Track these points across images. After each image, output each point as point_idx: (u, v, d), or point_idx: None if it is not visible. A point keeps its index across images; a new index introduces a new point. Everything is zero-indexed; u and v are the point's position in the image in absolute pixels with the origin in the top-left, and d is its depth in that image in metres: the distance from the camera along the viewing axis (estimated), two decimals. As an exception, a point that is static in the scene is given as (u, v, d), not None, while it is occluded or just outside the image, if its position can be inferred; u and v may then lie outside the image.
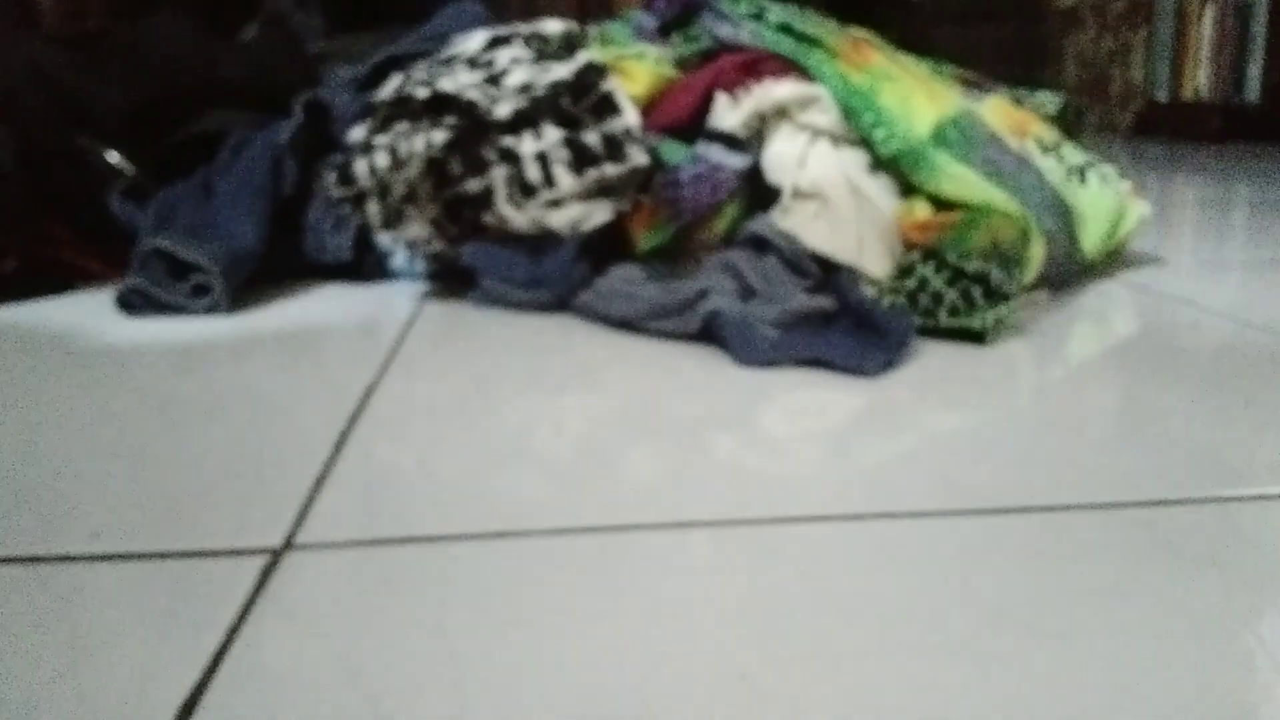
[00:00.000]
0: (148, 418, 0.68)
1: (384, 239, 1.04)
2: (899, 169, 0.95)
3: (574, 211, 0.97)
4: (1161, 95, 3.59)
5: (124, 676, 0.38)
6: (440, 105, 0.98)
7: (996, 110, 1.11)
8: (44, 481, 0.57)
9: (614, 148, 0.97)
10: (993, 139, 1.03)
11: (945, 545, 0.49)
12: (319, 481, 0.57)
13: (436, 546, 0.49)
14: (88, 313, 0.98)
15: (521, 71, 1.01)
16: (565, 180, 0.96)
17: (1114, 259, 1.20)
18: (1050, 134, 1.13)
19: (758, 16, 1.10)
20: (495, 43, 1.06)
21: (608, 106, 0.99)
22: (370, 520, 0.52)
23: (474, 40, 1.07)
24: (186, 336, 0.89)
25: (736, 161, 0.98)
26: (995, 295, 0.86)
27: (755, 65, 1.03)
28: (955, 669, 0.39)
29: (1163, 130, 3.51)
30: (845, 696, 0.37)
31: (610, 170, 0.96)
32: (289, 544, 0.49)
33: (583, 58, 1.02)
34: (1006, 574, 0.46)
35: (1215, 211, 1.77)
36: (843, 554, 0.48)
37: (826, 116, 0.98)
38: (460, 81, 0.99)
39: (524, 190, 0.97)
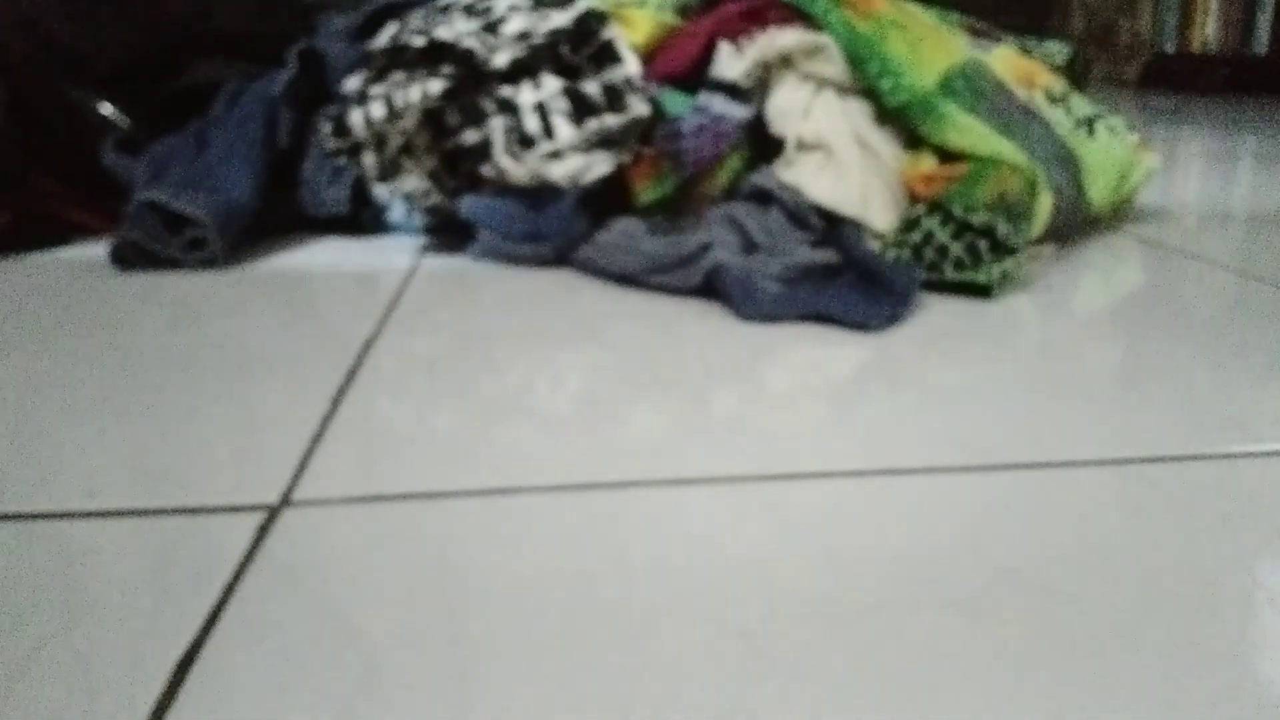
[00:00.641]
0: (143, 373, 0.67)
1: (381, 192, 1.03)
2: (905, 120, 0.94)
3: (574, 163, 0.95)
4: (1169, 46, 3.54)
5: (120, 635, 0.38)
6: (437, 54, 0.96)
7: (1004, 60, 1.09)
8: (38, 438, 0.57)
9: (614, 98, 0.95)
10: (1000, 89, 1.01)
11: (950, 502, 0.49)
12: (316, 437, 0.56)
13: (436, 503, 0.48)
14: (81, 267, 0.97)
15: (520, 19, 0.98)
16: (564, 131, 0.94)
17: (1121, 212, 1.19)
18: (1059, 84, 1.11)
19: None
20: (493, -11, 1.04)
21: (608, 55, 0.97)
22: (368, 476, 0.51)
23: (471, -13, 1.04)
24: (182, 291, 0.88)
25: (739, 112, 0.96)
26: (1001, 249, 0.84)
27: (759, 12, 1.00)
28: (961, 627, 0.38)
29: (1170, 82, 3.46)
30: (849, 655, 0.36)
31: (611, 121, 0.95)
32: (286, 500, 0.49)
33: (582, 4, 1.00)
34: (1013, 530, 0.46)
35: (1222, 164, 1.75)
36: (846, 511, 0.48)
37: (832, 66, 0.96)
38: (457, 29, 0.97)
39: (522, 141, 0.95)
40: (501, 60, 0.95)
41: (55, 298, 0.86)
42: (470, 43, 0.95)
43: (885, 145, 0.93)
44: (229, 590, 0.41)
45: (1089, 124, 1.08)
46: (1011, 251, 0.84)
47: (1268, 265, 0.98)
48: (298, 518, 0.47)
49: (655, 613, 0.39)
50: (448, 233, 1.05)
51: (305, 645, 0.37)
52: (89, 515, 0.47)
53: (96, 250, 1.03)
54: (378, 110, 0.95)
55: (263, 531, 0.46)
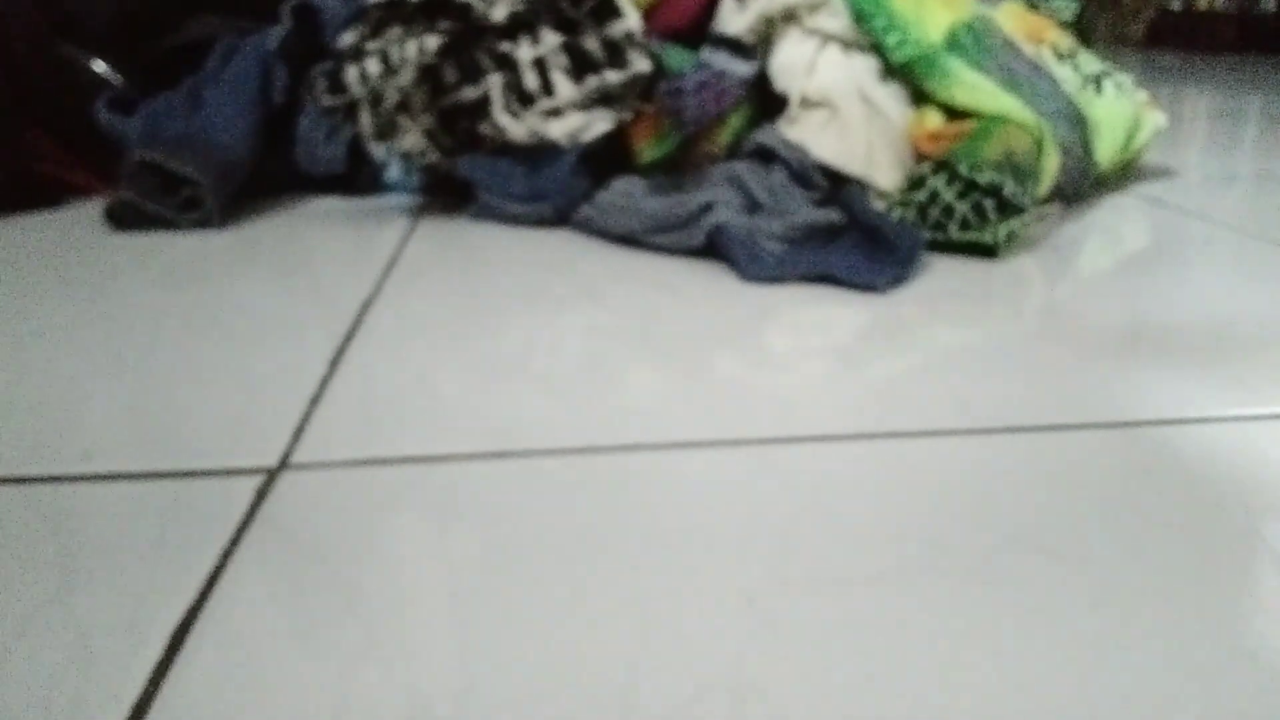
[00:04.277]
0: (139, 335, 0.66)
1: (378, 150, 1.01)
2: (911, 76, 0.92)
3: (573, 121, 0.94)
4: (1175, 4, 3.49)
5: (117, 599, 0.37)
6: (434, 8, 0.94)
7: (1011, 15, 1.08)
8: (34, 400, 0.56)
9: (615, 53, 0.93)
10: (1007, 45, 0.99)
11: (956, 465, 0.48)
12: (314, 400, 0.56)
13: (435, 466, 0.48)
14: (76, 227, 0.96)
15: (518, -27, 0.96)
16: (564, 88, 0.93)
17: (1127, 171, 1.17)
18: (1066, 40, 1.10)
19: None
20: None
21: (608, 9, 0.95)
22: (367, 439, 0.51)
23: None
24: (177, 251, 0.87)
25: (742, 68, 0.94)
26: (1008, 208, 0.83)
27: (762, -34, 0.98)
28: (967, 591, 0.38)
29: (1176, 40, 3.42)
30: (852, 618, 0.36)
31: (611, 77, 0.93)
32: (284, 464, 0.48)
33: (582, -42, 0.98)
34: (1018, 494, 0.45)
35: (1228, 123, 1.73)
36: (851, 474, 0.47)
37: (836, 21, 0.94)
38: (454, -17, 0.95)
39: (521, 99, 0.93)
40: (500, 14, 0.94)
41: (50, 258, 0.85)
42: (468, -3, 0.94)
43: (891, 102, 0.92)
44: (227, 554, 0.40)
45: (1097, 81, 1.06)
46: (1018, 211, 0.83)
47: (1273, 225, 0.97)
48: (296, 480, 0.46)
49: (658, 577, 0.39)
50: (446, 192, 1.04)
51: (305, 609, 0.37)
52: (85, 478, 0.47)
53: (91, 210, 1.02)
54: (374, 66, 0.93)
55: (261, 495, 0.45)
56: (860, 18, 0.93)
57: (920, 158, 0.89)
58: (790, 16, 0.96)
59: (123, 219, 0.95)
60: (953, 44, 0.94)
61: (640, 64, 0.94)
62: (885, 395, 0.56)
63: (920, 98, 0.93)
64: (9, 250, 0.88)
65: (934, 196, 0.84)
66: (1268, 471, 0.48)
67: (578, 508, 0.44)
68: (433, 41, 0.92)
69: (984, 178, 0.83)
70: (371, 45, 0.94)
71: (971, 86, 0.90)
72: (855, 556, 0.40)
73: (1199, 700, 0.32)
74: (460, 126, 0.98)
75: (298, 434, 0.51)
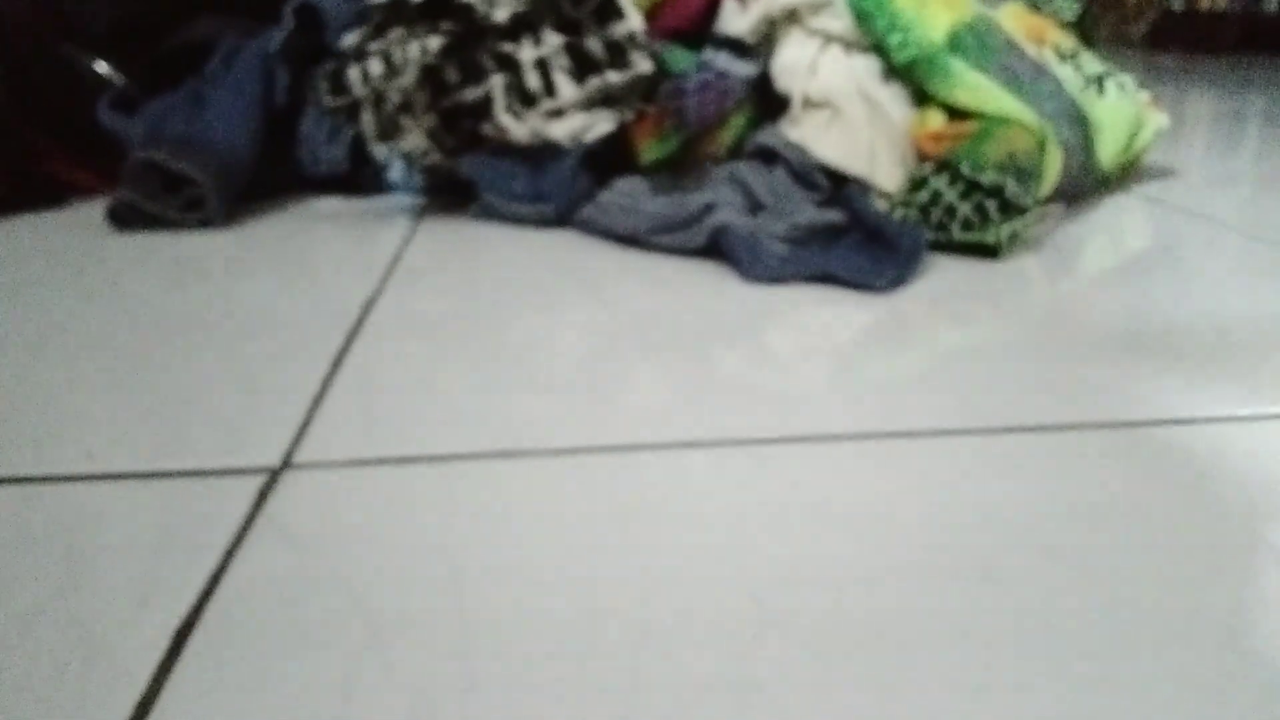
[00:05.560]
0: (142, 335, 0.66)
1: (380, 151, 1.01)
2: (913, 77, 0.92)
3: (575, 122, 0.94)
4: (1177, 4, 3.49)
5: (120, 599, 0.37)
6: (437, 9, 0.94)
7: (1013, 16, 1.07)
8: (37, 400, 0.56)
9: (617, 54, 0.93)
10: (1010, 46, 0.99)
11: (958, 464, 0.48)
12: (317, 399, 0.56)
13: (438, 466, 0.48)
14: (78, 227, 0.96)
15: (520, -27, 0.96)
16: (566, 89, 0.93)
17: (1130, 171, 1.17)
18: (1068, 41, 1.09)
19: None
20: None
21: (610, 10, 0.95)
22: (370, 439, 0.51)
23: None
24: (180, 251, 0.87)
25: (744, 69, 0.94)
26: (1010, 208, 0.83)
27: (764, -33, 0.98)
28: (971, 591, 0.38)
29: (1178, 41, 3.42)
30: (856, 619, 0.36)
31: (613, 78, 0.93)
32: (287, 463, 0.48)
33: (584, -41, 0.98)
34: (1021, 494, 0.45)
35: (1229, 124, 1.73)
36: (853, 474, 0.47)
37: (839, 21, 0.94)
38: (456, -16, 0.95)
39: (523, 99, 0.93)
40: (502, 15, 0.94)
41: (52, 258, 0.85)
42: (470, -3, 0.94)
43: (893, 103, 0.92)
44: (229, 554, 0.40)
45: (1099, 82, 1.06)
46: (1020, 211, 0.83)
47: (1276, 226, 0.97)
48: (299, 480, 0.46)
49: (661, 578, 0.39)
50: (448, 192, 1.04)
51: (307, 611, 0.37)
52: (87, 478, 0.47)
53: (93, 210, 1.02)
54: (376, 67, 0.93)
55: (263, 495, 0.45)
56: (862, 18, 0.93)
57: (922, 158, 0.89)
58: (792, 17, 0.96)
59: (125, 219, 0.95)
60: (955, 44, 0.94)
61: (642, 65, 0.94)
62: (887, 395, 0.56)
63: (922, 98, 0.93)
64: (11, 250, 0.88)
65: (936, 197, 0.84)
66: (1271, 472, 0.48)
67: (580, 507, 0.44)
68: (435, 42, 0.92)
69: (986, 178, 0.83)
70: (374, 46, 0.94)
71: (973, 87, 0.90)
72: (858, 556, 0.40)
73: (1203, 702, 0.32)
74: (462, 127, 0.98)
75: (300, 433, 0.51)
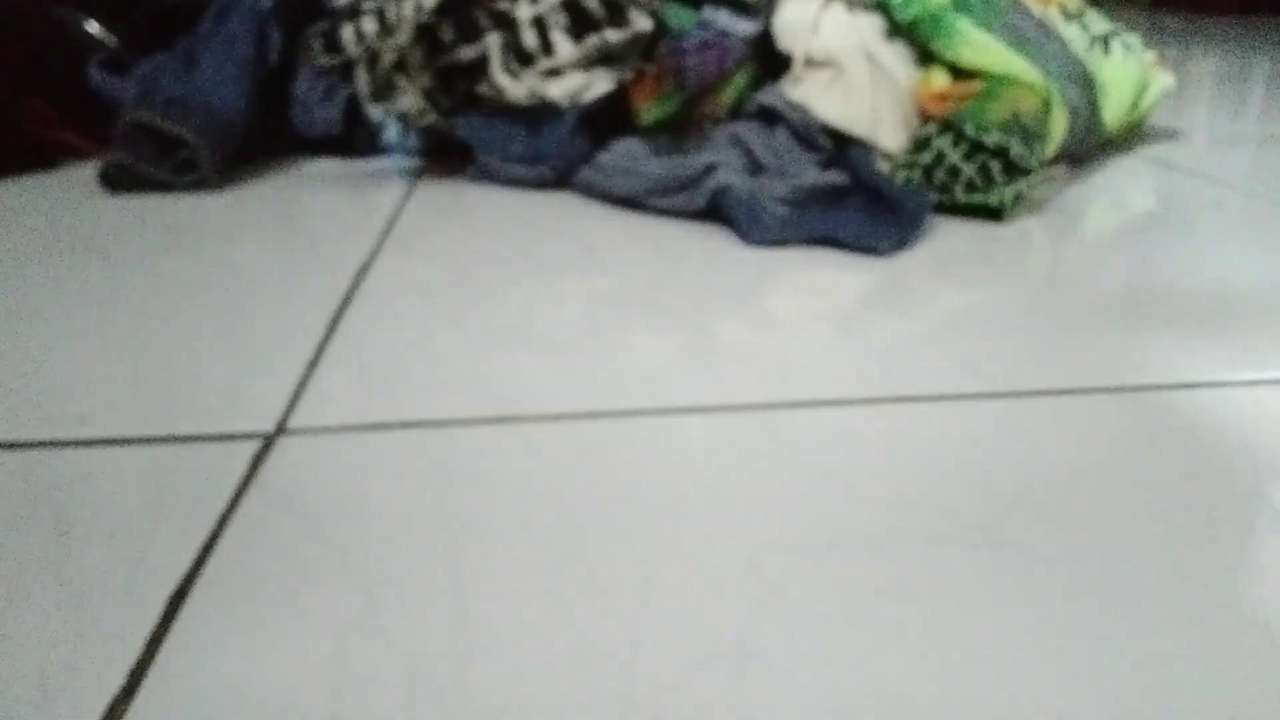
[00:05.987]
0: (135, 299, 0.65)
1: (375, 111, 1.00)
2: (917, 35, 0.90)
3: (573, 81, 0.92)
4: (1184, -38, 3.44)
5: (113, 565, 0.37)
6: (431, -34, 0.92)
7: (1019, -27, 1.05)
8: (28, 364, 0.55)
9: (616, 12, 0.91)
10: (1015, 4, 0.97)
11: (961, 429, 0.47)
12: (312, 364, 0.55)
13: (433, 431, 0.47)
14: (70, 190, 0.95)
15: (516, -71, 0.94)
16: (564, 47, 0.91)
17: (1134, 132, 1.16)
18: (1074, 0, 1.08)
19: None
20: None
21: (608, -33, 0.93)
22: (365, 404, 0.50)
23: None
24: (173, 214, 0.86)
25: (746, 27, 0.93)
26: (1014, 170, 0.82)
27: (766, -78, 0.96)
28: (973, 556, 0.37)
29: (1182, 3, 3.38)
30: (857, 584, 0.36)
31: (612, 36, 0.91)
32: (281, 429, 0.48)
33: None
34: (1024, 458, 0.45)
35: (1234, 85, 1.71)
36: (855, 439, 0.47)
37: (841, -22, 0.92)
38: (451, -60, 0.93)
39: (520, 58, 0.92)
40: (498, -28, 0.92)
41: (44, 221, 0.84)
42: (465, -46, 0.92)
43: (896, 62, 0.90)
44: (224, 520, 0.40)
45: (1104, 41, 1.04)
46: (1024, 173, 0.82)
47: (1278, 186, 0.96)
48: (294, 446, 0.46)
49: (659, 543, 0.38)
50: (444, 154, 1.03)
51: (302, 576, 0.36)
52: (81, 444, 0.46)
53: (86, 172, 1.01)
54: (370, 25, 0.91)
55: (258, 460, 0.45)
56: (865, -25, 0.91)
57: (926, 118, 0.88)
58: (794, -26, 0.94)
59: (117, 181, 0.94)
60: (959, 3, 0.92)
61: (641, 23, 0.92)
62: (890, 359, 0.56)
63: (926, 57, 0.91)
64: (2, 213, 0.87)
65: (940, 158, 0.83)
66: (1274, 436, 0.47)
67: (578, 473, 0.43)
68: (430, -1, 0.91)
69: (990, 139, 0.81)
70: (368, 4, 0.93)
71: (978, 46, 0.88)
72: (859, 521, 0.40)
73: (1206, 664, 0.32)
74: (458, 87, 0.96)
75: (295, 399, 0.51)
